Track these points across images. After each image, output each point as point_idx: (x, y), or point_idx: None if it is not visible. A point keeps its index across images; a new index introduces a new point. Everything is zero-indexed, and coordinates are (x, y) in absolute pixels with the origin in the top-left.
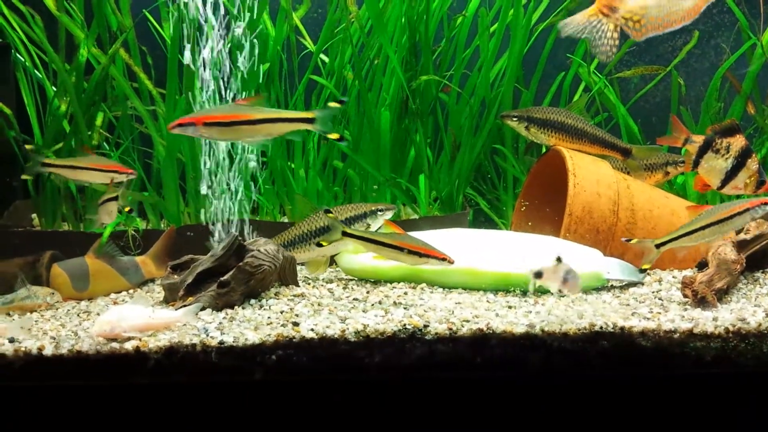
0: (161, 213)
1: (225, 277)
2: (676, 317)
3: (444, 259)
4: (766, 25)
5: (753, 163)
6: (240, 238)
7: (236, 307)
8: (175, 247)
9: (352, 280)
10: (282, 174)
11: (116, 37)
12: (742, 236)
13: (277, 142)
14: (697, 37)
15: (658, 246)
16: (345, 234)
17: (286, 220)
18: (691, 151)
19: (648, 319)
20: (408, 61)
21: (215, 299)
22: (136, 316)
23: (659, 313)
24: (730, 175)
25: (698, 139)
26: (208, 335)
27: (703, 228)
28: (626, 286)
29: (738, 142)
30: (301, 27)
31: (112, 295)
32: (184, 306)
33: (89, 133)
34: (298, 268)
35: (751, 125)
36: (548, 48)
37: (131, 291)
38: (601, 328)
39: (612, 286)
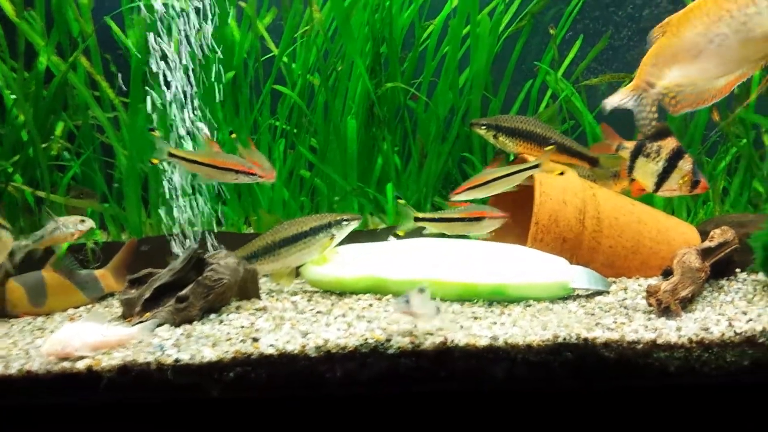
0: (122, 224)
1: (183, 291)
2: (640, 327)
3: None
4: None
5: (686, 164)
6: (200, 252)
7: (195, 322)
8: (135, 260)
9: (317, 292)
10: (247, 184)
11: (77, 44)
12: (706, 244)
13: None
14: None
15: (416, 219)
16: (417, 219)
17: (251, 231)
18: (624, 156)
19: (612, 329)
20: (373, 68)
21: (173, 314)
22: (89, 334)
23: (623, 323)
24: (663, 177)
25: (630, 145)
26: (163, 353)
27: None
28: (592, 295)
29: (669, 144)
30: (265, 35)
31: (70, 310)
32: (141, 322)
33: (46, 144)
34: (264, 280)
35: (715, 132)
36: (516, 55)
37: (90, 306)
38: (565, 339)
39: (578, 295)
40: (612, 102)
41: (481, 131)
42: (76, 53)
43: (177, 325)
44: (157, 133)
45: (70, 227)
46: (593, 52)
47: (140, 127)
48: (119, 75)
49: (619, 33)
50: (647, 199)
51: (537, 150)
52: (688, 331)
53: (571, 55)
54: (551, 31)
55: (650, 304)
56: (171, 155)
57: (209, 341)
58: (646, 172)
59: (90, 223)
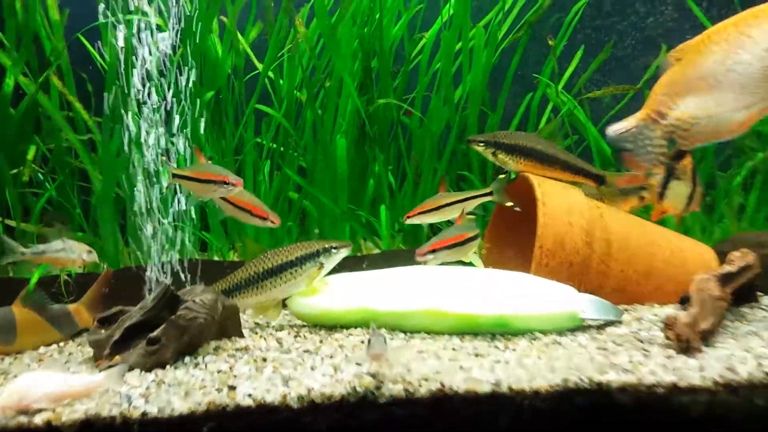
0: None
1: (155, 333)
2: (658, 367)
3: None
4: None
5: (698, 179)
6: (172, 288)
7: (168, 366)
8: (113, 293)
9: (305, 326)
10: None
11: (49, 63)
12: (726, 269)
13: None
14: (664, 52)
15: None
16: None
17: (236, 259)
18: (654, 184)
19: (627, 371)
20: (364, 83)
21: (144, 358)
22: (49, 384)
23: (640, 362)
24: (691, 196)
25: (659, 171)
26: (130, 405)
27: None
28: (603, 325)
29: (689, 162)
30: (249, 51)
31: (42, 349)
32: (110, 366)
33: (16, 170)
34: (249, 313)
35: (728, 145)
36: (513, 67)
37: (63, 343)
38: (576, 384)
39: (588, 325)
40: (617, 129)
41: (479, 148)
42: (46, 72)
43: (148, 369)
44: (163, 158)
45: (75, 253)
46: (595, 63)
47: (115, 148)
48: (93, 95)
49: (623, 42)
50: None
51: (539, 168)
52: (711, 372)
53: (572, 67)
54: (550, 42)
55: (668, 338)
56: (175, 176)
57: (181, 390)
58: (680, 194)
59: (94, 257)
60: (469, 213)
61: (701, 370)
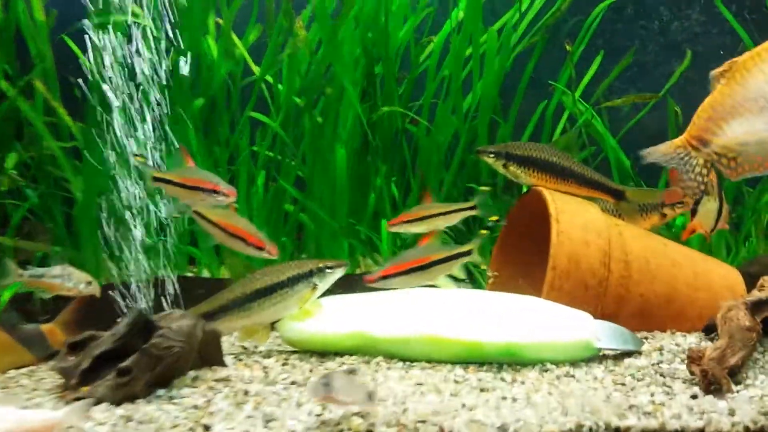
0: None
1: (125, 362)
2: (683, 410)
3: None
4: None
5: (724, 195)
6: (146, 313)
7: (139, 400)
8: (91, 312)
9: (295, 352)
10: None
11: (33, 66)
12: (756, 295)
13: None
14: (689, 58)
15: None
16: None
17: (226, 276)
18: (688, 201)
19: (649, 414)
20: (367, 90)
21: (113, 390)
22: (2, 420)
23: (662, 403)
24: (719, 212)
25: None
26: None
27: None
28: (621, 355)
29: (714, 177)
30: (245, 53)
31: (11, 372)
32: (77, 399)
33: None
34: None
35: None
36: (528, 74)
37: (34, 366)
38: (591, 430)
39: (604, 355)
40: (653, 155)
41: (490, 160)
42: (27, 77)
43: (118, 403)
44: (141, 158)
45: (72, 282)
46: (616, 70)
47: (97, 157)
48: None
49: (645, 48)
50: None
51: (553, 181)
52: (743, 416)
53: (590, 74)
54: (567, 47)
55: (692, 373)
56: (156, 179)
57: (151, 428)
58: (709, 211)
59: (94, 290)
60: (484, 228)
61: (731, 414)
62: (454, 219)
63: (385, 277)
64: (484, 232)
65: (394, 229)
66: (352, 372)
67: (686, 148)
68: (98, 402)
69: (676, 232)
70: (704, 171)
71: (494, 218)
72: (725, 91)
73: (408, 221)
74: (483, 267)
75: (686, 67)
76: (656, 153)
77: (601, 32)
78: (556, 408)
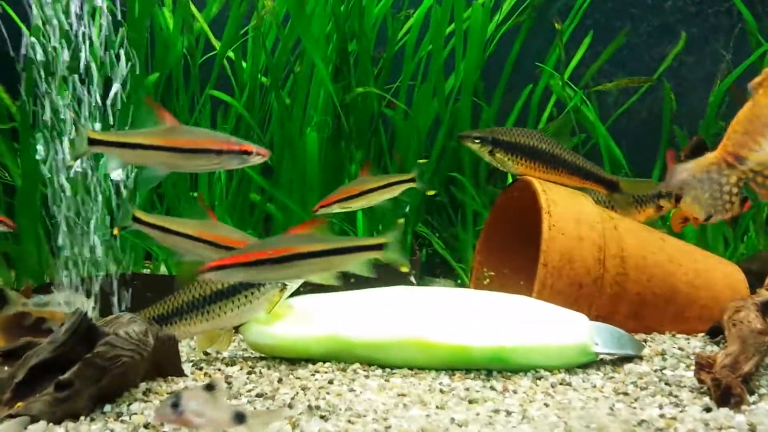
0: (14, 266)
1: (66, 375)
2: (699, 425)
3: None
4: None
5: None
6: (89, 318)
7: (82, 417)
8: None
9: (263, 358)
10: (178, 210)
11: None
12: (765, 295)
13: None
14: (684, 41)
15: None
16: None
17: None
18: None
19: (661, 430)
20: (340, 68)
21: (52, 407)
22: None
23: (674, 418)
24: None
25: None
26: None
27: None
28: (619, 360)
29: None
30: (207, 29)
31: None
32: (10, 416)
33: None
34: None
35: None
36: (513, 55)
37: None
38: None
39: (601, 359)
40: (680, 176)
41: (474, 146)
42: None
43: (57, 421)
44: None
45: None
46: (608, 51)
47: (38, 139)
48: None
49: (637, 29)
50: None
51: (543, 170)
52: (764, 430)
53: (578, 55)
54: (557, 26)
55: (701, 381)
56: (92, 142)
57: None
58: (698, 198)
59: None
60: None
61: (752, 429)
62: (393, 192)
63: (218, 268)
64: (401, 221)
65: (324, 211)
66: (210, 388)
67: (720, 165)
68: (34, 420)
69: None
70: (734, 190)
71: (432, 192)
72: (763, 102)
73: (341, 200)
74: (404, 269)
75: (680, 50)
76: (684, 172)
77: (591, 12)
78: (557, 424)
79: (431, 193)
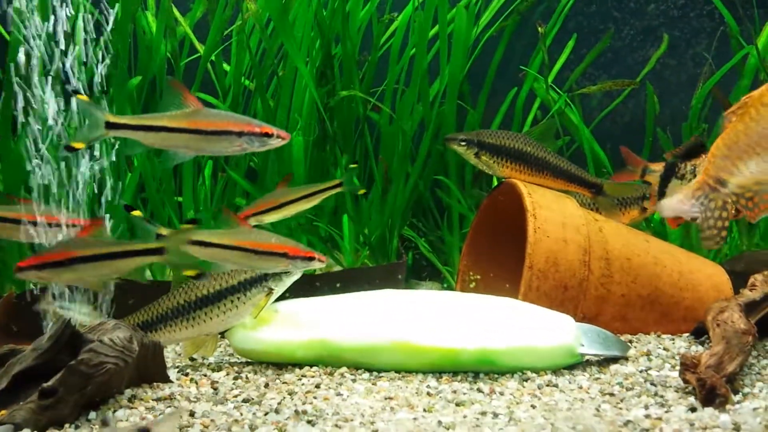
0: None
1: (50, 382)
2: (684, 425)
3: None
4: (760, 32)
5: None
6: (73, 325)
7: (67, 425)
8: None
9: (250, 364)
10: (164, 214)
11: None
12: (749, 295)
13: (164, 172)
14: (666, 43)
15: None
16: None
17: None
18: (653, 182)
19: (646, 431)
20: (324, 72)
21: (36, 414)
22: None
23: (659, 418)
24: None
25: (658, 168)
26: None
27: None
28: (605, 361)
29: (701, 163)
30: (190, 33)
31: None
32: None
33: None
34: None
35: None
36: (497, 58)
37: None
38: None
39: (587, 360)
40: (670, 207)
41: (460, 149)
42: None
43: (42, 429)
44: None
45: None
46: (592, 54)
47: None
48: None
49: (620, 32)
50: (657, 232)
51: (528, 173)
52: (750, 430)
53: (562, 58)
54: (540, 30)
55: (686, 381)
56: (111, 125)
57: None
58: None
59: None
60: None
61: (736, 429)
62: (320, 198)
63: (260, 213)
64: (354, 165)
65: (255, 221)
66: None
67: (704, 190)
68: (18, 428)
69: (657, 227)
70: (723, 214)
71: (362, 191)
72: (740, 128)
73: (261, 212)
74: (189, 273)
75: (663, 52)
76: (673, 203)
77: (573, 14)
78: (544, 426)
79: (362, 192)
